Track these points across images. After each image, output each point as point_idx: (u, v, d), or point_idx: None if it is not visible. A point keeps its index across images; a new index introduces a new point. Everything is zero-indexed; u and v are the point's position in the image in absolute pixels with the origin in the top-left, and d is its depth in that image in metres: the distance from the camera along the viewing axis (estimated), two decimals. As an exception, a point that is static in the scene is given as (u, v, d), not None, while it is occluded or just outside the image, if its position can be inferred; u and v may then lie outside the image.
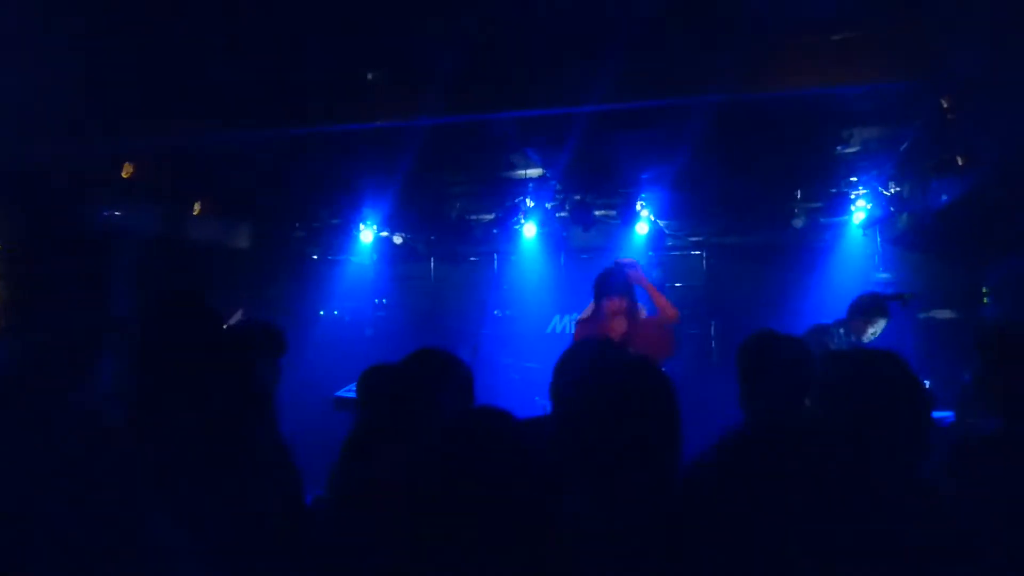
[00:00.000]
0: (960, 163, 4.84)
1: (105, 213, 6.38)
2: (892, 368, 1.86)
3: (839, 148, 6.31)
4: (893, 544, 1.44)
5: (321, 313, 8.90)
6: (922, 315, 6.96)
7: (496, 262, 9.23)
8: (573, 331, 4.92)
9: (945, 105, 4.21)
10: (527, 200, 7.90)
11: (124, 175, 5.88)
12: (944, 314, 7.00)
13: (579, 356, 2.44)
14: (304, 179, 7.37)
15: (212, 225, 7.55)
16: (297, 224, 8.63)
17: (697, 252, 8.74)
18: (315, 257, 9.06)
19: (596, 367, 1.87)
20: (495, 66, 4.65)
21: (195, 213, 7.09)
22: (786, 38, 4.13)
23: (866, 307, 5.40)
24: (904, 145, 5.88)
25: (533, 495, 1.17)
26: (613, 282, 4.71)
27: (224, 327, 2.58)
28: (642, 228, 8.01)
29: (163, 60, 4.79)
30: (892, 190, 6.95)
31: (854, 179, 7.05)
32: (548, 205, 8.04)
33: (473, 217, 8.50)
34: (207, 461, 1.71)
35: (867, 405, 1.75)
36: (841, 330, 5.44)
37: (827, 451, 1.51)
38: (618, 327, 4.57)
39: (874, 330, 5.36)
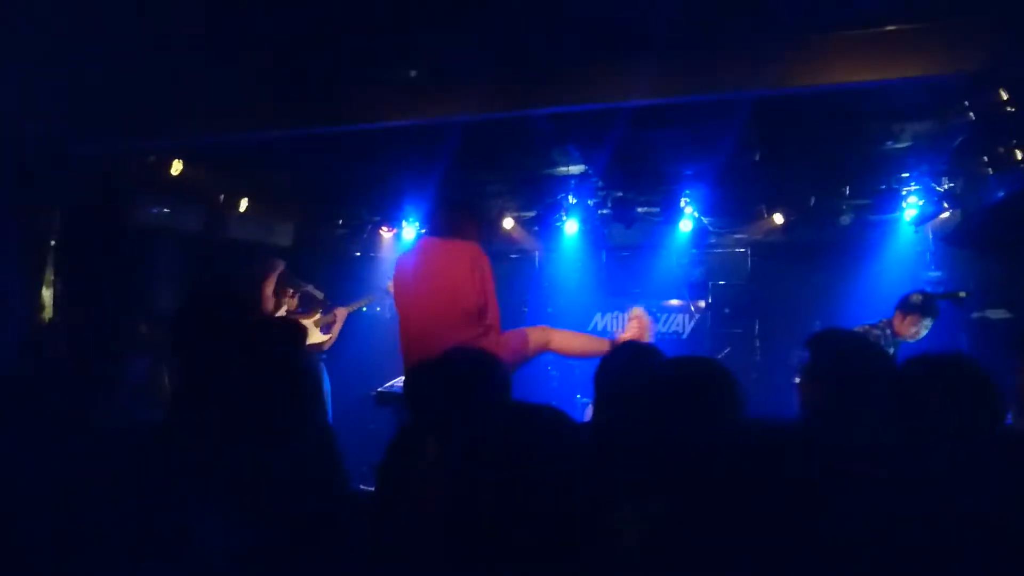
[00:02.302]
0: (1018, 157, 4.68)
1: (153, 210, 6.50)
2: (969, 372, 1.80)
3: (889, 143, 6.14)
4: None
5: (363, 309, 8.96)
6: (976, 315, 6.76)
7: (537, 260, 9.20)
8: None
9: (1004, 97, 4.07)
10: (569, 197, 7.85)
11: (173, 172, 5.97)
12: (999, 314, 6.78)
13: (629, 359, 2.41)
14: (346, 177, 7.43)
15: (255, 223, 7.65)
16: (340, 221, 8.70)
17: (742, 250, 8.61)
18: (357, 254, 9.12)
19: (660, 369, 1.84)
20: (535, 62, 4.62)
21: (240, 211, 7.19)
22: (835, 30, 4.02)
23: (912, 305, 5.27)
24: (958, 140, 5.71)
25: (582, 495, 1.13)
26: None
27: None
28: (686, 225, 7.91)
29: (207, 58, 4.86)
30: (945, 186, 6.76)
31: (905, 175, 6.86)
32: (590, 202, 7.98)
33: (515, 214, 8.47)
34: (247, 453, 1.71)
35: (944, 411, 1.69)
36: (888, 330, 5.32)
37: (897, 456, 1.46)
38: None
39: (917, 329, 5.23)
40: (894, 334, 5.31)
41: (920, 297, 5.24)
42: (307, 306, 7.01)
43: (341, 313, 7.07)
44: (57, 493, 1.42)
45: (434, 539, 1.31)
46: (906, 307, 5.31)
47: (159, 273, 6.90)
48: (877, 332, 5.33)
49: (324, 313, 7.02)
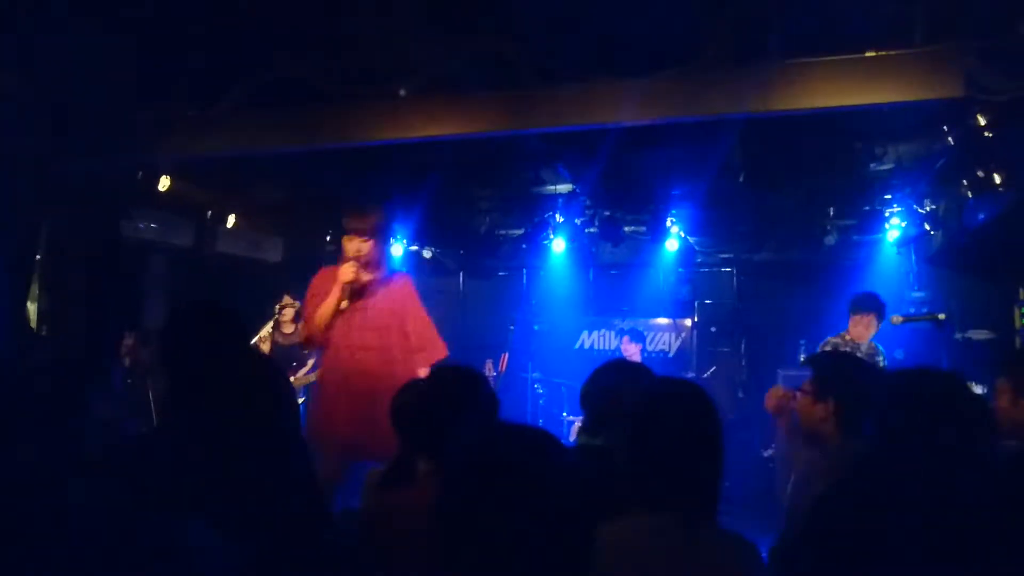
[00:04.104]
0: (997, 181, 4.76)
1: (141, 225, 6.50)
2: (955, 388, 1.83)
3: (873, 165, 6.24)
4: None
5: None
6: (958, 335, 6.83)
7: (525, 277, 9.24)
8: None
9: (982, 122, 4.15)
10: (556, 215, 7.91)
11: (161, 189, 5.98)
12: (981, 334, 6.86)
13: (615, 379, 2.43)
14: (336, 194, 7.45)
15: (244, 238, 7.66)
16: (328, 237, 8.71)
17: (727, 269, 8.68)
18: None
19: (648, 393, 1.87)
20: (524, 83, 4.67)
21: (229, 227, 7.19)
22: (819, 54, 4.10)
23: (855, 305, 5.27)
24: (940, 162, 5.81)
25: (572, 516, 1.14)
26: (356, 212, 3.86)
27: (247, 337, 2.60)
28: (672, 245, 7.98)
29: (197, 74, 4.90)
30: (927, 208, 6.85)
31: (888, 197, 6.96)
32: (577, 221, 8.04)
33: (502, 232, 8.52)
34: (229, 467, 1.73)
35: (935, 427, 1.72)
36: (847, 336, 5.35)
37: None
38: (346, 275, 3.72)
39: (868, 329, 5.19)
40: (852, 340, 5.32)
41: (863, 297, 5.27)
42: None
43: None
44: (42, 504, 1.43)
45: (422, 561, 1.33)
46: (851, 307, 5.32)
47: (147, 286, 6.89)
48: (838, 342, 5.37)
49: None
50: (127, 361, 6.06)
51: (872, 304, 5.20)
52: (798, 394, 2.51)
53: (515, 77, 4.66)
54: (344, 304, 3.80)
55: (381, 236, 3.92)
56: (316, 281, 3.95)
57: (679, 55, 4.29)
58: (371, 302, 3.88)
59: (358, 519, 2.18)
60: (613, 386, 2.45)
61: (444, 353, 3.95)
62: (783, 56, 4.12)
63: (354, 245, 3.80)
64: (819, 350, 5.43)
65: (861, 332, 5.16)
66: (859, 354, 5.18)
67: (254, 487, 1.73)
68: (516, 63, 4.58)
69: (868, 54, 3.95)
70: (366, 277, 3.83)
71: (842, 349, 5.22)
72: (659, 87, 4.41)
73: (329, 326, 3.83)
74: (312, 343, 3.99)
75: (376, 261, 3.87)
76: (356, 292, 3.83)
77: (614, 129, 4.94)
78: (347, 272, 3.75)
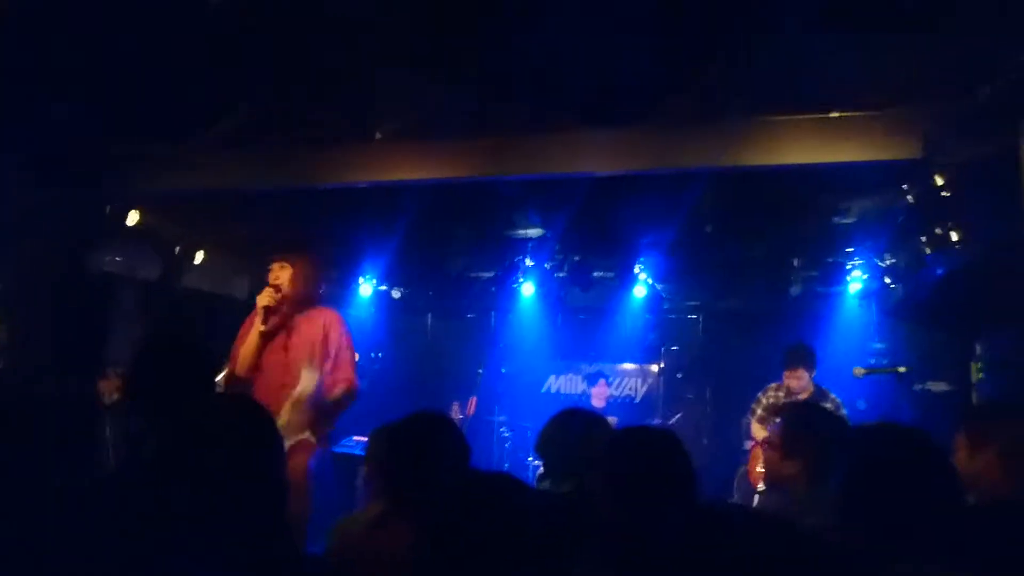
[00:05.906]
0: (954, 238, 4.92)
1: (107, 258, 6.42)
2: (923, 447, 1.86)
3: (836, 219, 6.39)
4: None
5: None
6: (918, 386, 6.96)
7: (493, 320, 9.25)
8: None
9: (940, 182, 4.31)
10: (526, 259, 7.96)
11: (130, 223, 5.92)
12: (940, 386, 6.99)
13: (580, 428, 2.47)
14: (305, 233, 7.43)
15: (212, 274, 7.59)
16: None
17: (694, 316, 8.78)
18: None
19: (621, 440, 1.90)
20: (498, 130, 4.75)
21: (197, 263, 7.13)
22: (784, 113, 4.24)
23: (785, 359, 5.38)
24: (900, 218, 5.97)
25: (544, 562, 1.16)
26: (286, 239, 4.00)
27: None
28: (640, 291, 8.07)
29: (173, 112, 4.89)
30: (887, 262, 7.02)
31: (850, 250, 7.13)
32: (547, 265, 8.10)
33: (472, 274, 8.54)
34: (196, 506, 1.71)
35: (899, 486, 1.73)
36: (780, 392, 5.46)
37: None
38: (263, 300, 3.76)
39: (801, 382, 5.30)
40: (788, 392, 5.42)
41: (792, 349, 5.41)
42: None
43: None
44: (10, 541, 1.40)
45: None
46: (790, 362, 5.42)
47: (115, 320, 6.77)
48: (778, 395, 5.46)
49: None
50: (103, 398, 5.94)
51: (798, 359, 5.33)
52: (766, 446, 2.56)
53: (487, 124, 4.73)
54: (262, 328, 3.77)
55: (304, 266, 3.91)
56: (244, 325, 3.94)
57: (649, 110, 4.40)
58: (292, 339, 3.80)
59: (328, 564, 2.16)
60: (576, 435, 2.48)
61: (349, 384, 3.84)
62: (752, 114, 4.26)
63: (273, 273, 3.85)
64: (759, 398, 5.55)
65: (794, 385, 5.32)
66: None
67: (221, 527, 1.70)
68: (490, 111, 4.65)
69: (832, 114, 4.09)
70: (285, 305, 3.81)
71: (781, 396, 5.33)
72: (629, 140, 4.51)
73: (254, 364, 3.78)
74: (234, 380, 3.86)
75: (297, 291, 3.85)
76: (277, 325, 3.79)
77: (585, 178, 5.02)
78: (264, 296, 3.78)
